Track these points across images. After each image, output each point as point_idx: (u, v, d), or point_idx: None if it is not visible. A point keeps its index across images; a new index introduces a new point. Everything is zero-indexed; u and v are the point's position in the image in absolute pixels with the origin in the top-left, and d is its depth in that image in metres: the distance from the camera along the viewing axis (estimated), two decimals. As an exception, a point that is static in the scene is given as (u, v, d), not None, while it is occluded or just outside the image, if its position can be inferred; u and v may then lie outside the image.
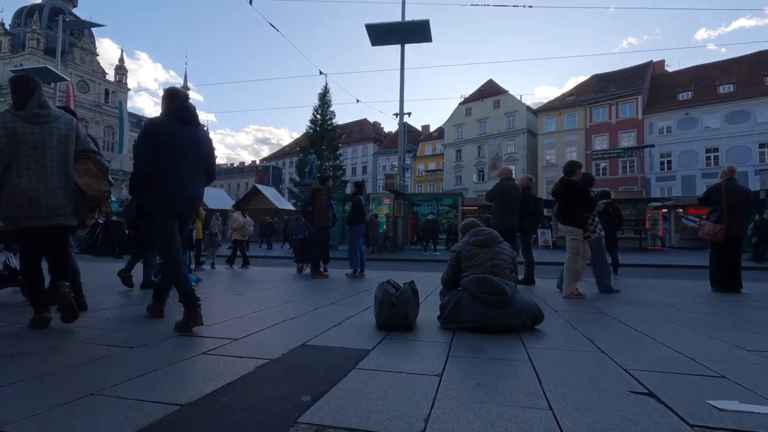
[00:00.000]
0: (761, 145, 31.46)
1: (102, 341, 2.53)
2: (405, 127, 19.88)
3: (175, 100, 3.13)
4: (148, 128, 3.01)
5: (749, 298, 4.99)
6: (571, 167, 5.12)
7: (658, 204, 24.50)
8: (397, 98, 18.92)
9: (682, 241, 21.95)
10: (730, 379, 1.95)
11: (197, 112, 3.20)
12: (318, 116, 43.55)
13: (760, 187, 16.79)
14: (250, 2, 15.02)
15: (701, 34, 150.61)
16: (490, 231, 3.52)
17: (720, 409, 1.57)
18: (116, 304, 4.04)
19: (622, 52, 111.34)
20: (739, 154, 31.61)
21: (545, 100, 51.62)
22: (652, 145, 34.97)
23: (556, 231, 6.94)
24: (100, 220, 3.30)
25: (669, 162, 35.16)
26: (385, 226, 16.58)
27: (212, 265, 8.75)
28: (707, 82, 35.67)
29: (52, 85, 23.94)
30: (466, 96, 49.74)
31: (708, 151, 33.47)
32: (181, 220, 3.10)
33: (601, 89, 40.42)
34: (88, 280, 4.21)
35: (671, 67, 42.61)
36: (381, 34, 17.74)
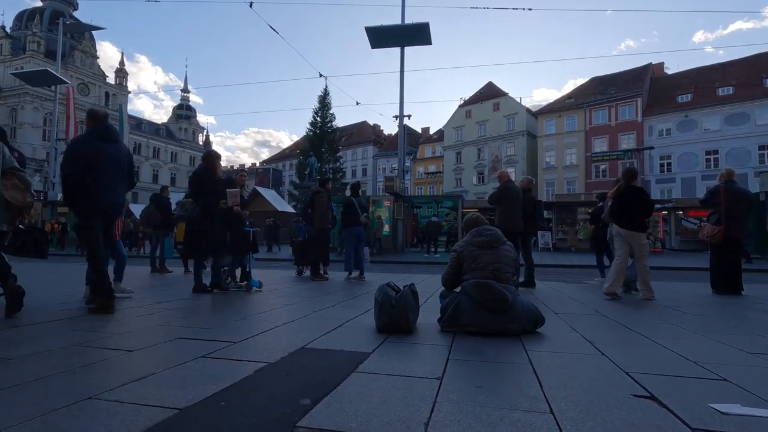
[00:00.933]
0: (761, 147, 31.50)
1: (100, 344, 2.52)
2: (405, 130, 19.90)
3: (96, 120, 3.77)
4: (73, 147, 3.65)
5: (750, 300, 4.98)
6: (633, 174, 5.17)
7: (659, 206, 24.50)
8: (397, 101, 18.95)
9: (682, 243, 21.96)
10: (731, 382, 1.94)
11: (116, 131, 3.86)
12: (318, 119, 43.64)
13: (760, 189, 16.78)
14: (251, 5, 15.07)
15: (699, 36, 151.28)
16: (494, 231, 3.37)
17: (722, 413, 1.56)
18: (114, 306, 4.02)
19: (620, 55, 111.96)
20: (739, 156, 31.65)
21: (544, 103, 51.73)
22: (652, 147, 35.00)
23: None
24: (21, 227, 3.80)
25: (669, 164, 35.20)
26: (374, 228, 16.57)
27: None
28: (706, 85, 35.74)
29: (53, 87, 23.96)
30: (466, 98, 49.90)
31: (708, 153, 33.51)
32: (105, 221, 3.77)
33: (601, 91, 40.49)
34: (80, 283, 4.19)
35: (670, 69, 42.72)
36: (381, 36, 17.77)
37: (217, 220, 5.04)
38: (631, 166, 5.53)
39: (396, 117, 19.34)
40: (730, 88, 34.31)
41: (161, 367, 2.04)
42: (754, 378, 2.01)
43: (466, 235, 3.47)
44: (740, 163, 30.57)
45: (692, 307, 4.39)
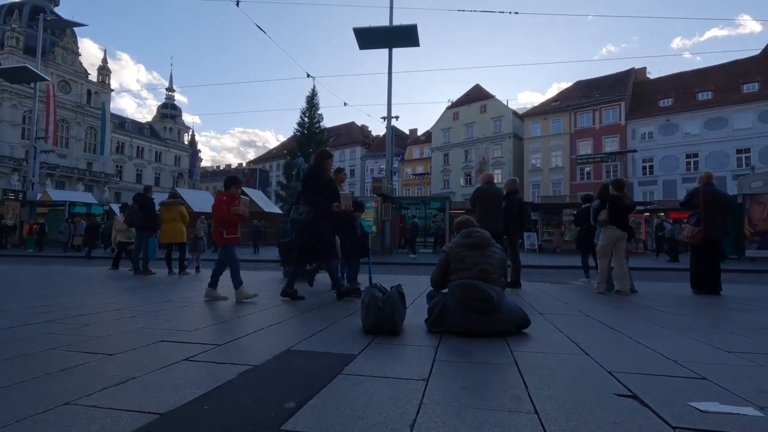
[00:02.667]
0: (738, 151, 32.37)
1: (79, 348, 2.46)
2: (393, 131, 19.92)
3: None
4: None
5: (728, 300, 5.11)
6: (622, 184, 5.73)
7: (641, 208, 24.98)
8: (385, 102, 18.99)
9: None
10: (710, 381, 1.98)
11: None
12: (306, 119, 43.39)
13: (738, 192, 17.25)
14: (237, 3, 14.92)
15: (677, 42, 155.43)
16: (482, 233, 3.42)
17: (701, 411, 1.59)
18: (95, 309, 3.93)
19: (602, 59, 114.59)
20: (718, 160, 32.49)
21: (529, 105, 52.42)
22: (635, 150, 35.75)
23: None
24: None
25: (651, 167, 35.93)
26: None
27: (197, 269, 8.61)
28: (687, 90, 36.62)
29: (32, 85, 23.39)
30: (454, 100, 50.17)
31: (688, 156, 34.32)
32: None
33: (586, 95, 41.16)
34: (66, 284, 4.09)
35: (652, 74, 43.66)
36: (369, 38, 17.79)
37: (329, 223, 4.69)
38: (620, 179, 6.00)
39: (384, 118, 19.38)
40: (709, 93, 35.21)
41: (142, 371, 2.00)
42: (732, 376, 2.06)
43: (455, 236, 3.50)
44: (719, 166, 31.38)
45: (673, 307, 4.48)
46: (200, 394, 1.70)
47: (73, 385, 1.80)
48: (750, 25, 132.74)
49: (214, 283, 4.68)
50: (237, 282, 4.55)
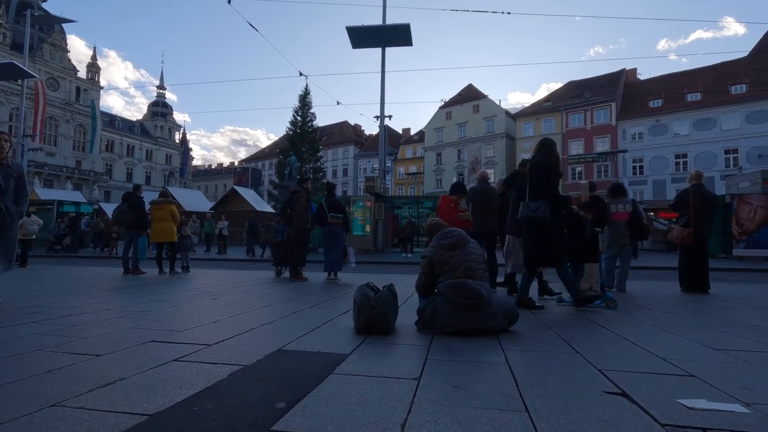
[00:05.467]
0: (726, 152, 32.86)
1: (67, 349, 2.42)
2: (386, 130, 19.91)
3: None
4: None
5: (716, 298, 5.18)
6: (593, 186, 5.60)
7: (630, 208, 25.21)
8: (378, 101, 18.95)
9: (653, 243, 22.65)
10: (698, 378, 2.00)
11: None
12: (298, 118, 43.19)
13: (726, 192, 17.50)
14: (229, 1, 14.80)
15: (663, 44, 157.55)
16: (458, 231, 3.39)
17: (689, 408, 1.61)
18: (84, 309, 3.88)
19: (590, 60, 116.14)
20: (706, 160, 32.95)
21: (519, 106, 52.75)
22: (625, 151, 36.12)
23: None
24: None
25: (641, 167, 36.34)
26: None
27: (184, 268, 8.53)
28: (676, 91, 37.07)
29: (20, 81, 23.02)
30: (447, 100, 50.30)
31: (677, 156, 34.77)
32: None
33: (577, 95, 41.50)
34: (53, 284, 4.02)
35: (642, 75, 44.16)
36: (362, 36, 17.74)
37: (564, 221, 4.22)
38: (592, 181, 6.02)
39: (377, 117, 19.33)
40: (698, 94, 35.69)
41: (131, 372, 1.97)
42: (719, 373, 2.08)
43: (432, 241, 3.46)
44: (707, 166, 31.83)
45: (662, 305, 4.54)
46: (190, 395, 1.68)
47: (60, 386, 1.78)
48: (734, 27, 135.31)
49: None
50: None
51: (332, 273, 6.92)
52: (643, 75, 44.13)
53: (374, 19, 45.56)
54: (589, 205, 5.18)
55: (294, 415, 1.50)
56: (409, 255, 16.12)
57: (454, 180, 47.15)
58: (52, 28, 50.20)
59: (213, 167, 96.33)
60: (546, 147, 4.28)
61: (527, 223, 4.15)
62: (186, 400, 1.64)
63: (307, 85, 44.14)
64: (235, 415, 1.49)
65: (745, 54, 36.79)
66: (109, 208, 27.07)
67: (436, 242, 3.36)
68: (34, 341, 2.60)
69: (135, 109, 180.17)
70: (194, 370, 2.04)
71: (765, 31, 37.57)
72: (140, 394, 1.69)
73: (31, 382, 1.83)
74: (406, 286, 5.84)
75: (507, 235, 5.18)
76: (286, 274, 7.35)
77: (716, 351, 2.56)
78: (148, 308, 3.96)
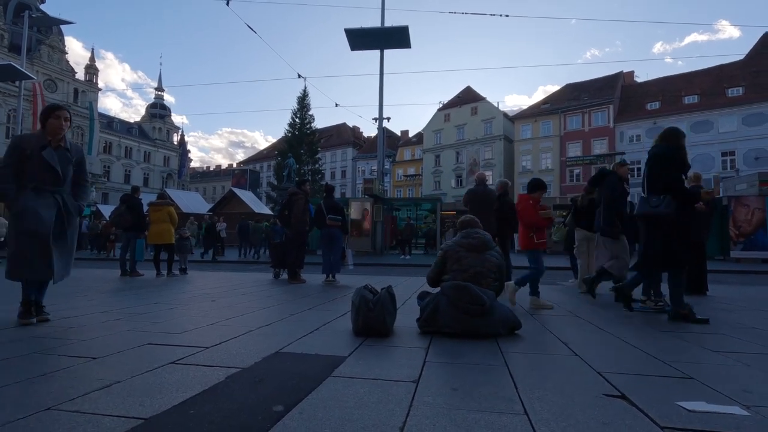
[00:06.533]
0: (723, 154, 33.01)
1: (63, 352, 2.40)
2: (384, 132, 19.93)
3: None
4: None
5: (714, 300, 5.18)
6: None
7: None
8: (377, 103, 18.98)
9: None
10: (697, 380, 2.00)
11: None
12: (297, 120, 43.22)
13: (723, 194, 17.56)
14: (227, 3, 14.81)
15: (658, 47, 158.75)
16: (483, 235, 3.41)
17: (689, 410, 1.60)
18: (81, 311, 3.86)
19: (585, 63, 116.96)
20: (703, 162, 33.07)
21: (516, 108, 53.01)
22: (623, 153, 36.20)
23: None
24: None
25: (638, 169, 36.37)
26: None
27: (182, 270, 8.50)
28: (673, 93, 37.24)
29: (17, 83, 23.01)
30: (445, 102, 50.40)
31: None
32: None
33: (575, 98, 41.64)
34: (50, 285, 3.98)
35: (639, 78, 44.33)
36: (360, 38, 17.78)
37: (691, 219, 3.88)
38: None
39: (375, 119, 19.36)
40: (695, 97, 35.86)
41: (127, 375, 1.96)
42: (718, 376, 2.08)
43: (456, 235, 3.51)
44: (705, 168, 31.93)
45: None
46: (186, 398, 1.67)
47: (55, 389, 1.76)
48: (729, 30, 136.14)
49: (535, 292, 4.45)
50: (535, 289, 4.42)
51: (330, 275, 6.91)
52: (640, 78, 44.35)
53: (373, 22, 45.69)
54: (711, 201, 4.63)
55: (291, 418, 1.49)
56: (408, 257, 16.10)
57: (452, 183, 47.21)
58: (50, 29, 50.14)
59: (211, 169, 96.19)
60: (672, 136, 3.87)
61: (646, 221, 3.77)
62: (183, 403, 1.62)
63: (305, 87, 44.37)
64: (232, 419, 1.48)
65: (741, 57, 37.00)
66: (107, 210, 26.98)
67: (458, 238, 3.41)
68: (30, 344, 2.57)
69: (133, 111, 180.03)
70: (191, 372, 2.02)
71: (761, 35, 37.83)
72: (136, 398, 1.67)
73: (27, 385, 1.81)
74: (404, 288, 5.83)
75: (598, 238, 4.96)
76: (285, 276, 7.33)
77: (715, 353, 2.56)
78: (145, 310, 3.94)
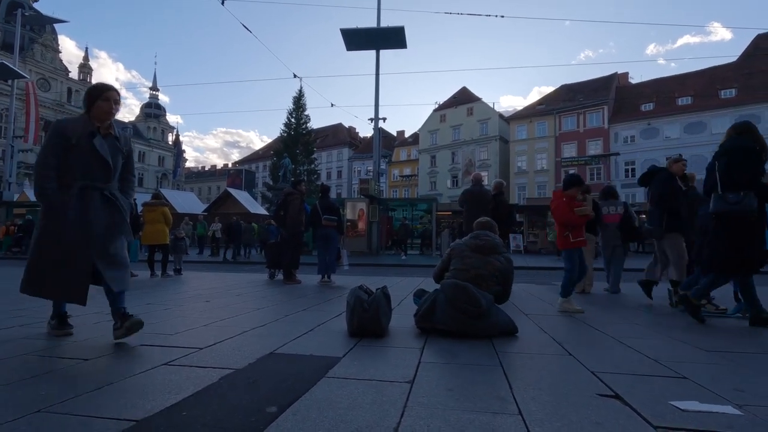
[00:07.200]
0: (716, 155, 33.27)
1: (53, 353, 2.38)
2: (380, 133, 19.94)
3: None
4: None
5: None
6: (587, 190, 5.55)
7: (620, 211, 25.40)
8: (372, 103, 18.98)
9: (646, 245, 22.86)
10: (691, 380, 2.01)
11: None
12: (292, 120, 43.15)
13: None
14: (222, 2, 14.76)
15: (651, 49, 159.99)
16: (492, 239, 3.43)
17: (682, 410, 1.61)
18: (72, 312, 3.81)
19: (580, 64, 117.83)
20: (697, 163, 33.18)
21: (511, 109, 53.17)
22: (618, 154, 36.50)
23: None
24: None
25: (633, 170, 36.68)
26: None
27: (177, 270, 8.45)
28: (667, 95, 37.52)
29: (10, 82, 22.79)
30: (441, 103, 50.50)
31: (668, 159, 35.17)
32: None
33: (570, 99, 41.85)
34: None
35: (634, 79, 44.65)
36: (356, 39, 17.79)
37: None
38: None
39: (371, 120, 19.37)
40: (689, 98, 36.14)
41: (120, 377, 1.94)
42: (711, 375, 2.09)
43: (468, 235, 3.60)
44: (698, 169, 31.57)
45: (655, 307, 4.56)
46: (179, 400, 1.66)
47: (46, 391, 1.74)
48: (721, 32, 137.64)
49: (566, 293, 4.24)
50: (567, 291, 4.22)
51: (326, 275, 6.90)
52: (634, 79, 44.64)
53: (369, 22, 45.69)
54: None
55: (285, 419, 1.48)
56: (405, 257, 16.11)
57: (448, 183, 47.29)
58: (43, 28, 49.74)
59: (206, 169, 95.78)
60: (750, 131, 3.66)
61: (723, 219, 3.52)
62: (175, 405, 1.61)
63: (301, 87, 44.48)
64: (225, 420, 1.47)
65: (734, 59, 37.33)
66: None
67: (468, 238, 3.47)
68: (21, 345, 2.55)
69: (126, 110, 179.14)
70: (184, 374, 2.01)
71: (753, 37, 38.20)
72: (128, 399, 1.65)
73: (16, 388, 1.79)
74: (399, 288, 5.82)
75: (657, 244, 4.81)
76: (280, 276, 7.31)
77: (707, 352, 2.57)
78: (138, 311, 3.89)
